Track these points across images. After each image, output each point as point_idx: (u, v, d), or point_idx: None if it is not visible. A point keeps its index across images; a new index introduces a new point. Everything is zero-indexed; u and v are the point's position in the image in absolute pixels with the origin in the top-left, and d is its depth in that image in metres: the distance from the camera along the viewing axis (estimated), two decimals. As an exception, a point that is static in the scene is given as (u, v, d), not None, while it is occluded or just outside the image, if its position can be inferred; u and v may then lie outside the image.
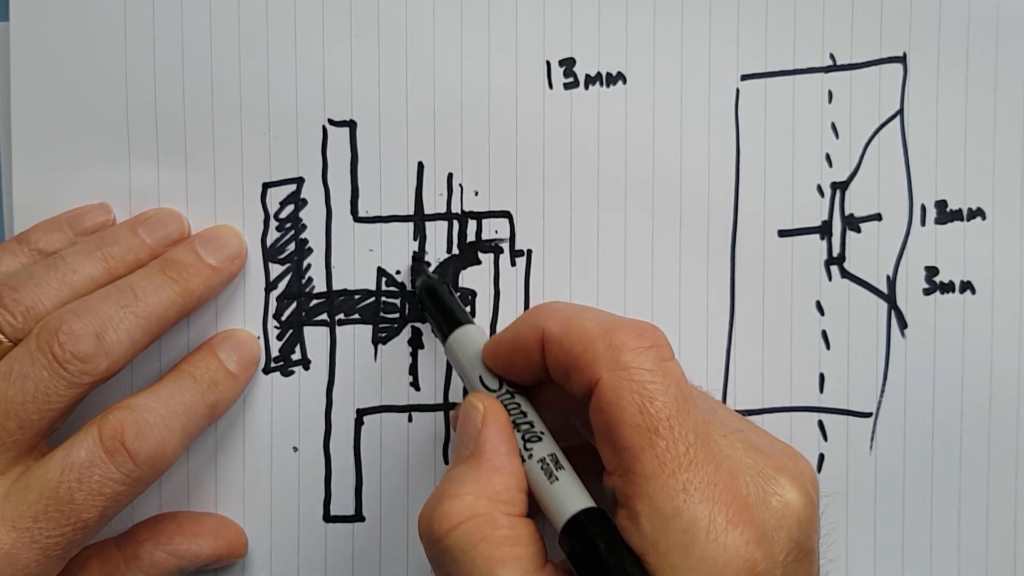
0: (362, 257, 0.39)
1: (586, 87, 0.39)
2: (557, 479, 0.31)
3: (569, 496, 0.30)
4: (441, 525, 0.29)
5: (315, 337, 0.39)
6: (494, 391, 0.33)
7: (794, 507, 0.30)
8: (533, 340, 0.32)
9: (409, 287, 0.39)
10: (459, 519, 0.29)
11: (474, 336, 0.35)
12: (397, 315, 0.39)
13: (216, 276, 0.37)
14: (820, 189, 0.40)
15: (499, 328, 0.39)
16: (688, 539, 0.28)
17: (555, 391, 0.33)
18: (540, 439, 0.32)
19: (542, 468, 0.31)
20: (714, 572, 0.27)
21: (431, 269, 0.39)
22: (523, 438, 0.32)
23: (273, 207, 0.39)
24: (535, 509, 0.31)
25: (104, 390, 0.35)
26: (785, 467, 0.31)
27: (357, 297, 0.39)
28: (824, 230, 0.40)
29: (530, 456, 0.31)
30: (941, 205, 0.41)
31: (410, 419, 0.39)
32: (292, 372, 0.39)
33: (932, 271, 0.41)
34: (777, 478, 0.31)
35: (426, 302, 0.38)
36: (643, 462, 0.29)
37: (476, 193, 0.39)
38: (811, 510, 0.31)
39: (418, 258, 0.39)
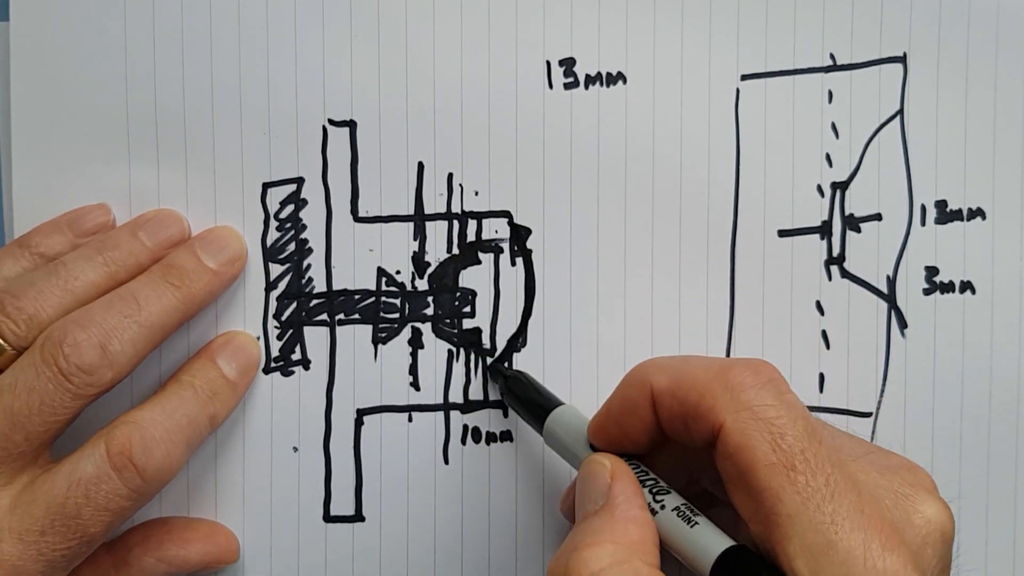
0: (362, 257, 0.39)
1: (586, 87, 0.39)
2: (697, 523, 0.30)
3: (714, 536, 0.29)
4: (580, 572, 0.28)
5: (315, 337, 0.39)
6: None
7: (937, 522, 0.30)
8: (642, 399, 0.31)
9: (489, 394, 0.40)
10: (599, 566, 0.28)
11: (570, 415, 0.35)
12: (397, 315, 0.39)
13: (217, 280, 0.37)
14: (820, 189, 0.40)
15: (499, 327, 0.39)
16: (846, 570, 0.27)
17: (667, 455, 0.33)
18: (669, 492, 0.31)
19: (678, 515, 0.30)
20: None
21: (431, 270, 0.39)
22: (651, 492, 0.31)
23: (273, 207, 0.39)
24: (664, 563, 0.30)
25: (105, 396, 0.35)
26: (918, 482, 0.31)
27: (357, 297, 0.39)
28: (824, 230, 0.40)
29: (662, 507, 0.31)
30: (941, 205, 0.41)
31: (410, 419, 0.39)
32: (292, 372, 0.39)
33: (932, 271, 0.41)
34: (914, 495, 0.30)
35: (513, 398, 0.38)
36: (784, 501, 0.27)
37: (476, 193, 0.39)
38: (951, 522, 0.30)
39: (495, 364, 0.39)
